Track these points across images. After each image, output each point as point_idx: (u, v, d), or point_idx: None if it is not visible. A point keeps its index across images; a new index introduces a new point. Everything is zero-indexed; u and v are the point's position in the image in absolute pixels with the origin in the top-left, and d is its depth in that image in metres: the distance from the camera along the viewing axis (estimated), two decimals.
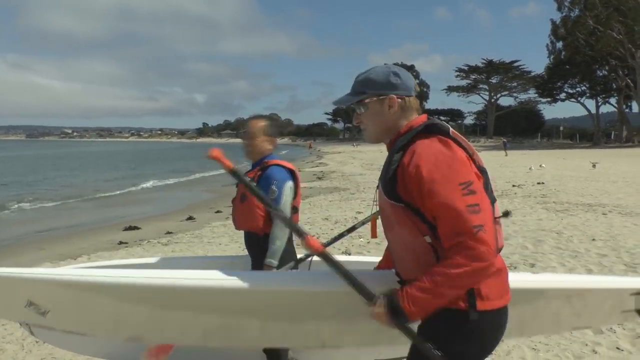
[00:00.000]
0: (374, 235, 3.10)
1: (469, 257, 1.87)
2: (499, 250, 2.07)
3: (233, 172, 2.19)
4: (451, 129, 2.10)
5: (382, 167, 2.21)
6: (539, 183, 18.64)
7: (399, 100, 2.15)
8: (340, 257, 4.23)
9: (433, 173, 1.93)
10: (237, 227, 3.82)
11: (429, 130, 2.08)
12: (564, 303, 2.64)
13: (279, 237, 3.51)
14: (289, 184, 3.55)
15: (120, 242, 10.89)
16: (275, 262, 3.52)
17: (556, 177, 21.05)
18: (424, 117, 2.17)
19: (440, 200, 1.91)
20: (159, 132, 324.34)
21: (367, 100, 2.17)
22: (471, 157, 2.07)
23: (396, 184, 2.03)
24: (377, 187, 2.28)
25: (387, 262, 2.64)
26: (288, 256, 3.62)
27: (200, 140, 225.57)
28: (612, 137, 73.42)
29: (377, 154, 50.15)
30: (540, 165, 27.00)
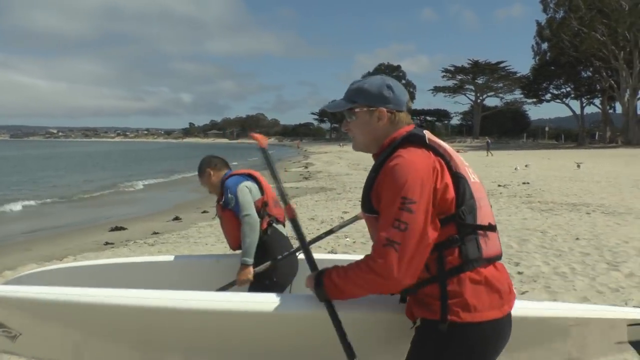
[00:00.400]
0: None
1: (369, 267, 1.95)
2: (497, 258, 2.06)
3: (264, 151, 2.47)
4: (427, 136, 2.11)
5: (368, 168, 2.27)
6: (524, 183, 18.80)
7: (389, 114, 2.16)
8: (326, 256, 4.33)
9: (388, 182, 1.97)
10: (232, 247, 4.04)
11: (407, 141, 2.09)
12: (562, 334, 2.53)
13: (247, 234, 3.72)
14: (242, 184, 3.84)
15: (107, 243, 10.84)
16: (249, 260, 3.71)
17: (541, 177, 21.24)
18: (408, 128, 2.16)
19: (382, 205, 1.98)
20: (145, 132, 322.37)
21: (357, 110, 2.18)
22: (448, 163, 2.04)
23: (370, 195, 2.07)
24: None
25: None
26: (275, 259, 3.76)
27: (187, 140, 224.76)
28: (596, 137, 74.17)
29: (363, 155, 50.29)
30: (526, 166, 27.24)
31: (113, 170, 42.64)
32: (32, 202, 20.89)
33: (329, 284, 2.09)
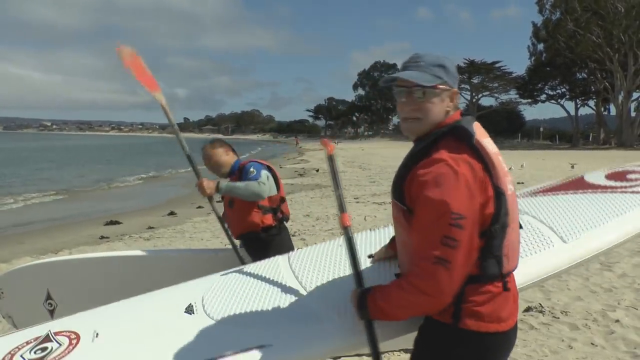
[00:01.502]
0: None
1: (416, 288, 1.81)
2: (513, 270, 2.01)
3: (331, 158, 2.21)
4: (476, 135, 1.92)
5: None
6: (518, 183, 18.85)
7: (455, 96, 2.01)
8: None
9: (433, 193, 1.80)
10: (237, 235, 4.00)
11: (454, 134, 1.93)
12: None
13: (250, 186, 3.69)
14: (265, 171, 3.81)
15: (102, 237, 10.85)
16: (223, 185, 3.75)
17: (536, 177, 21.30)
18: (455, 116, 2.00)
19: (426, 219, 1.81)
20: (140, 126, 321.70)
21: (441, 86, 1.94)
22: (490, 173, 1.90)
23: (404, 186, 1.92)
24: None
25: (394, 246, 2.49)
26: (279, 246, 3.76)
27: (182, 135, 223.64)
28: (590, 139, 74.38)
29: (357, 152, 50.30)
30: (522, 165, 27.29)
31: (108, 164, 42.50)
32: (25, 196, 20.84)
33: (373, 308, 1.96)
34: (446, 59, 1.99)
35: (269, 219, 3.86)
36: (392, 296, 1.89)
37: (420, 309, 1.90)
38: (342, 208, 2.21)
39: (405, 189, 1.91)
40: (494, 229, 1.89)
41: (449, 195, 1.78)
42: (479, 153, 1.90)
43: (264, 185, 3.69)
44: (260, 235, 3.85)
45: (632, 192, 2.97)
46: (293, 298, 2.37)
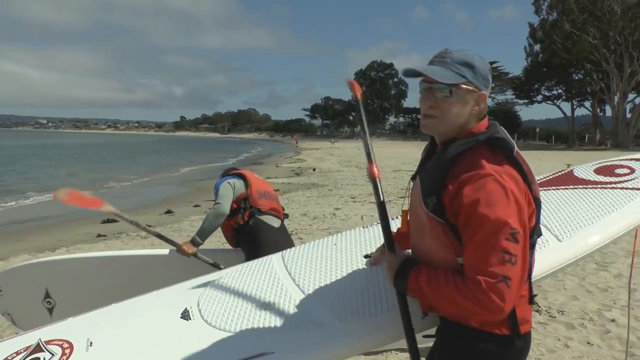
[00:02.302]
0: (404, 228, 2.34)
1: (480, 303, 1.70)
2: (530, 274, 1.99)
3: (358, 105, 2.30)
4: (515, 147, 1.87)
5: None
6: None
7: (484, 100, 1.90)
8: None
9: (488, 210, 1.72)
10: (230, 244, 4.36)
11: (493, 144, 1.85)
12: None
13: (209, 218, 4.07)
14: (226, 181, 4.15)
15: (99, 235, 10.84)
16: (198, 239, 4.04)
17: None
18: (486, 123, 1.93)
19: (483, 238, 1.72)
20: (136, 124, 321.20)
21: (463, 86, 1.84)
22: (530, 186, 1.87)
23: (442, 197, 1.82)
24: (412, 182, 2.11)
25: (399, 237, 2.37)
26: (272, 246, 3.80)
27: (178, 133, 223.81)
28: (586, 139, 74.56)
29: (354, 151, 50.25)
30: None
31: (104, 163, 42.43)
32: (22, 194, 20.79)
33: (414, 286, 1.87)
34: (478, 58, 1.88)
35: (234, 220, 4.12)
36: (442, 288, 1.78)
37: (472, 315, 1.81)
38: (370, 157, 2.14)
39: (446, 203, 1.81)
40: (534, 240, 1.90)
41: (504, 212, 1.72)
42: (518, 165, 1.85)
43: (219, 204, 4.03)
44: (238, 236, 4.15)
45: (622, 187, 3.00)
46: (291, 302, 2.34)
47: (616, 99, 63.14)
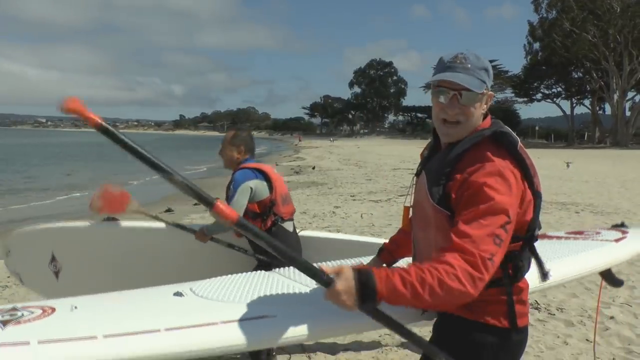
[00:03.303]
0: (405, 224, 2.40)
1: (471, 280, 1.68)
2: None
3: None
4: (519, 142, 1.93)
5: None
6: None
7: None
8: (330, 235, 4.49)
9: (495, 194, 1.78)
10: (237, 236, 4.02)
11: (497, 139, 1.92)
12: None
13: (219, 222, 3.71)
14: (247, 184, 3.80)
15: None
16: (206, 233, 3.92)
17: None
18: (489, 120, 2.02)
19: (484, 216, 1.76)
20: (135, 123, 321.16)
21: (486, 92, 1.95)
22: (531, 180, 1.92)
23: (445, 190, 1.88)
24: (417, 174, 2.13)
25: (396, 246, 2.47)
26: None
27: (177, 132, 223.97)
28: (586, 138, 74.64)
29: (353, 149, 50.33)
30: None
31: (103, 161, 42.41)
32: (20, 192, 20.79)
33: (385, 295, 1.68)
34: (487, 61, 1.99)
35: (257, 224, 3.80)
36: (427, 282, 1.66)
37: (459, 302, 1.76)
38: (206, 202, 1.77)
39: (452, 195, 1.86)
40: (536, 233, 1.95)
41: (506, 200, 1.78)
42: (522, 159, 1.91)
43: (235, 206, 3.77)
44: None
45: (591, 239, 3.38)
46: (291, 289, 2.30)
47: (615, 97, 63.20)
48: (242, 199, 3.78)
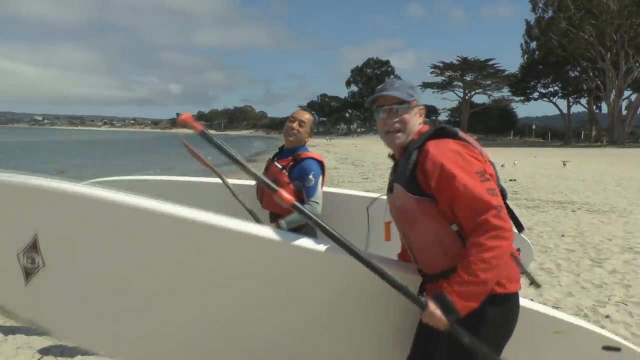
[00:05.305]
0: (387, 238, 2.77)
1: (498, 237, 1.98)
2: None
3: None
4: (460, 131, 2.28)
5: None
6: (510, 180, 18.92)
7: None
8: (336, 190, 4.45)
9: (451, 165, 2.08)
10: (264, 207, 3.98)
11: (440, 134, 2.25)
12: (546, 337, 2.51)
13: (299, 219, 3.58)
14: (320, 179, 3.78)
15: None
16: (284, 225, 3.62)
17: (528, 175, 21.40)
18: (427, 127, 2.35)
19: (461, 184, 2.04)
20: (132, 121, 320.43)
21: (414, 102, 2.34)
22: (481, 151, 2.26)
23: (418, 180, 2.16)
24: (388, 192, 2.41)
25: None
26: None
27: (174, 131, 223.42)
28: (582, 136, 74.78)
29: (350, 148, 50.31)
30: (514, 163, 27.41)
31: (102, 159, 42.35)
32: None
33: (462, 304, 2.01)
34: (410, 82, 2.41)
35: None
36: (475, 268, 1.98)
37: (504, 256, 2.02)
38: (271, 187, 2.26)
39: (421, 180, 2.16)
40: (503, 193, 2.25)
41: (466, 164, 2.11)
42: (466, 141, 2.24)
43: (318, 204, 3.68)
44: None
45: None
46: None
47: (612, 96, 63.33)
48: (321, 191, 3.75)
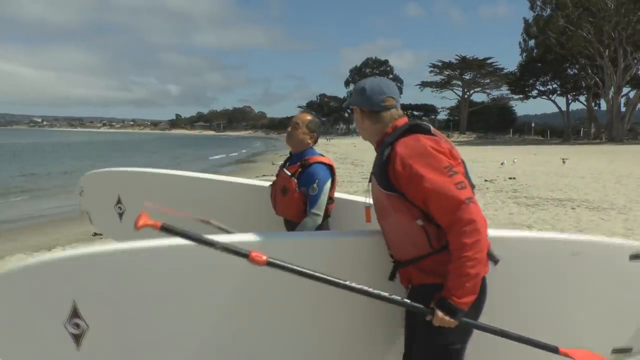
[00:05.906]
0: (368, 220, 3.15)
1: (473, 231, 2.12)
2: None
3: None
4: (432, 127, 2.40)
5: (371, 162, 2.51)
6: (510, 178, 18.90)
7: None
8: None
9: (419, 165, 2.20)
10: (278, 213, 3.95)
11: (412, 130, 2.37)
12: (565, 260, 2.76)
13: (306, 226, 3.60)
14: (329, 183, 3.73)
15: (95, 234, 10.74)
16: None
17: (527, 173, 21.36)
18: (405, 119, 2.48)
19: (430, 184, 2.16)
20: (132, 122, 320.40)
21: (354, 108, 2.58)
22: (451, 147, 2.37)
23: (389, 176, 2.30)
24: (370, 180, 2.57)
25: None
26: None
27: (173, 131, 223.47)
28: (581, 134, 74.73)
29: (349, 148, 50.26)
30: (513, 161, 27.37)
31: (99, 160, 42.32)
32: (16, 192, 20.71)
33: (463, 300, 2.19)
34: (370, 81, 2.55)
35: (305, 216, 3.72)
36: (463, 267, 2.13)
37: (484, 248, 2.18)
38: (240, 253, 2.20)
39: (392, 177, 2.29)
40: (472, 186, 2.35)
41: (433, 160, 2.23)
42: (436, 136, 2.37)
43: (319, 216, 3.62)
44: (296, 226, 3.73)
45: None
46: None
47: (611, 93, 63.28)
48: (325, 199, 3.68)
